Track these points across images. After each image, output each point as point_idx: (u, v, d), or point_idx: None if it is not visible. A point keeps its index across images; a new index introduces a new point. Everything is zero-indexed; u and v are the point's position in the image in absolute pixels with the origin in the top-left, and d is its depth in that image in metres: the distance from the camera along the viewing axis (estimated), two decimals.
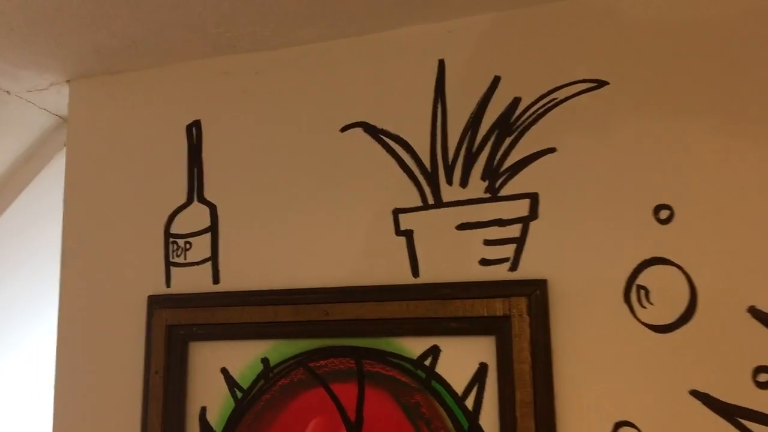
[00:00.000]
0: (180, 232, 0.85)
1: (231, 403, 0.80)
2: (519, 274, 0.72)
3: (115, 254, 0.87)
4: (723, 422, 0.64)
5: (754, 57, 0.67)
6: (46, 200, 1.06)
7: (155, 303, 0.83)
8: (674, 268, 0.67)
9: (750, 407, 0.64)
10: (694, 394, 0.66)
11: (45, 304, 1.09)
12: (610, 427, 0.67)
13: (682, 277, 0.67)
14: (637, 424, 0.67)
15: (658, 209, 0.69)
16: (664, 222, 0.68)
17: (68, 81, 0.93)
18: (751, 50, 0.67)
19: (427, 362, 0.74)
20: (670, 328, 0.67)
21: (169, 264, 0.85)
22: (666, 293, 0.67)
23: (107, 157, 0.90)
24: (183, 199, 0.86)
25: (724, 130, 0.67)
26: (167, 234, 0.86)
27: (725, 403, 0.65)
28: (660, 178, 0.69)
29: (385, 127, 0.79)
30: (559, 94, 0.73)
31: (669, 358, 0.66)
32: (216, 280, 0.83)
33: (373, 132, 0.79)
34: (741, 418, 0.64)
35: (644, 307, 0.68)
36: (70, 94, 0.93)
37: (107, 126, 0.91)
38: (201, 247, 0.84)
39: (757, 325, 0.64)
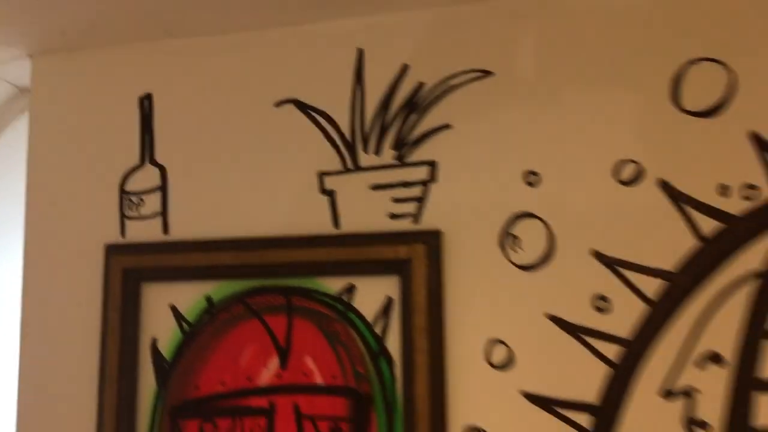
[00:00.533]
0: (133, 190, 0.99)
1: (179, 335, 0.95)
2: (420, 226, 0.89)
3: (76, 209, 1.00)
4: (569, 338, 0.84)
5: (600, 46, 0.86)
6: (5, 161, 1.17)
7: (112, 250, 0.96)
8: (538, 220, 0.86)
9: (590, 326, 0.83)
10: (549, 317, 0.85)
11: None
12: (485, 342, 0.85)
13: (543, 228, 0.86)
14: (505, 341, 0.85)
15: (527, 174, 0.87)
16: (532, 185, 0.87)
17: (30, 56, 1.04)
18: (598, 39, 0.86)
19: (345, 297, 0.91)
20: (533, 267, 0.86)
21: (123, 217, 0.99)
22: (531, 240, 0.86)
23: (68, 124, 1.02)
24: (136, 161, 0.99)
25: (579, 111, 0.86)
26: (122, 191, 0.99)
27: (572, 323, 0.84)
28: (530, 150, 0.87)
29: (312, 104, 0.94)
30: (455, 81, 0.90)
31: (531, 290, 0.85)
32: (165, 230, 0.97)
33: (303, 108, 0.94)
34: (583, 334, 0.84)
35: (515, 252, 0.87)
36: (33, 68, 1.04)
37: (68, 97, 1.03)
38: (152, 202, 0.98)
39: (597, 264, 0.84)
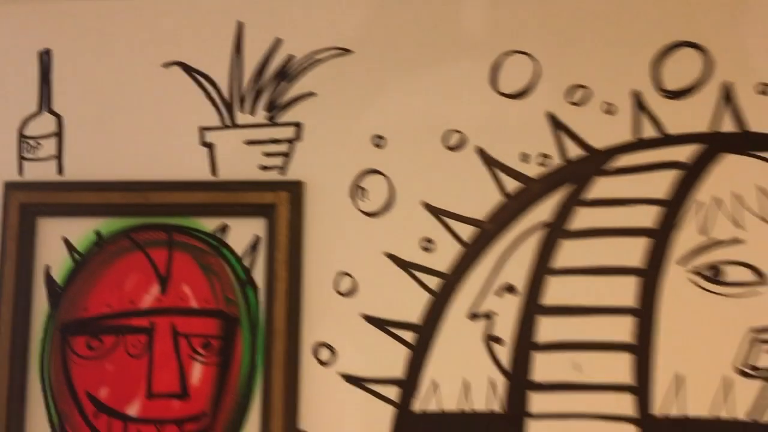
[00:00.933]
0: (31, 135, 1.11)
1: (70, 264, 1.08)
2: (285, 177, 1.06)
3: None
4: (401, 272, 1.03)
5: (436, 34, 1.05)
6: None
7: (10, 187, 1.08)
8: (381, 176, 1.05)
9: (417, 263, 1.04)
10: (387, 254, 1.04)
11: None
12: (334, 274, 1.04)
13: (386, 182, 1.05)
14: (351, 273, 1.04)
15: (374, 138, 1.06)
16: (378, 147, 1.06)
17: None
18: (436, 25, 1.05)
19: (219, 235, 1.07)
20: (376, 214, 1.05)
21: (21, 158, 1.11)
22: (375, 192, 1.05)
23: None
24: (34, 109, 1.11)
25: (419, 88, 1.05)
26: (20, 136, 1.11)
27: (404, 260, 1.04)
28: (378, 117, 1.05)
29: (196, 67, 1.09)
30: (320, 56, 1.07)
31: (373, 233, 1.04)
32: (60, 171, 1.10)
33: (188, 70, 1.09)
34: (411, 269, 1.04)
35: (362, 201, 1.06)
36: None
37: None
38: (48, 146, 1.10)
39: (426, 213, 1.04)
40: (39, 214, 1.07)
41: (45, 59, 1.10)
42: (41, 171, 1.09)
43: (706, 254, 0.97)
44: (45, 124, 1.09)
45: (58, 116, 1.10)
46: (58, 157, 1.09)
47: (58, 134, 1.09)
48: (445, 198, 1.03)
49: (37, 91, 1.10)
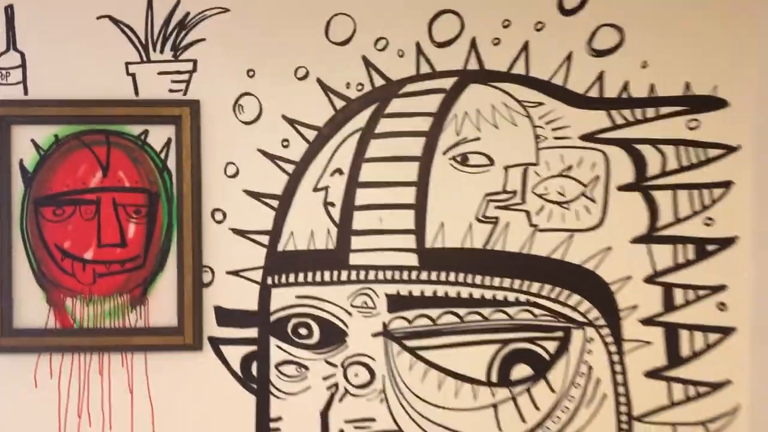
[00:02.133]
0: (2, 66, 1.56)
1: (37, 157, 1.57)
2: (187, 97, 1.57)
3: None
4: (269, 161, 1.57)
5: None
6: None
7: None
8: (254, 97, 1.57)
9: (279, 155, 1.58)
10: (259, 150, 1.58)
11: None
12: (224, 163, 1.57)
13: (257, 101, 1.57)
14: (235, 162, 1.57)
15: (248, 71, 1.57)
16: (251, 77, 1.57)
17: None
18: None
19: (143, 137, 1.57)
20: (251, 123, 1.57)
21: None
22: (249, 108, 1.57)
23: None
24: (3, 48, 1.56)
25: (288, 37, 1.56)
26: None
27: (270, 153, 1.58)
28: (250, 54, 1.56)
29: (121, 20, 1.56)
30: (207, 13, 1.57)
31: (250, 135, 1.56)
32: (26, 92, 1.56)
33: (115, 22, 1.56)
34: (276, 160, 1.58)
35: (241, 114, 1.58)
36: None
37: None
38: (16, 75, 1.56)
39: (284, 122, 1.57)
40: (12, 123, 1.54)
41: (9, 12, 1.54)
42: (12, 92, 1.55)
43: (458, 147, 1.56)
44: (12, 59, 1.54)
45: (21, 53, 1.55)
46: (23, 82, 1.55)
47: (23, 66, 1.55)
48: (295, 111, 1.56)
49: (4, 36, 1.55)
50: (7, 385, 1.55)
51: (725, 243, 1.54)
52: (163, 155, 1.55)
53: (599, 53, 1.53)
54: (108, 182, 1.55)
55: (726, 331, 1.55)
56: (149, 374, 1.56)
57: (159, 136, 1.55)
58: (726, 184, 1.54)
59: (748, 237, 1.54)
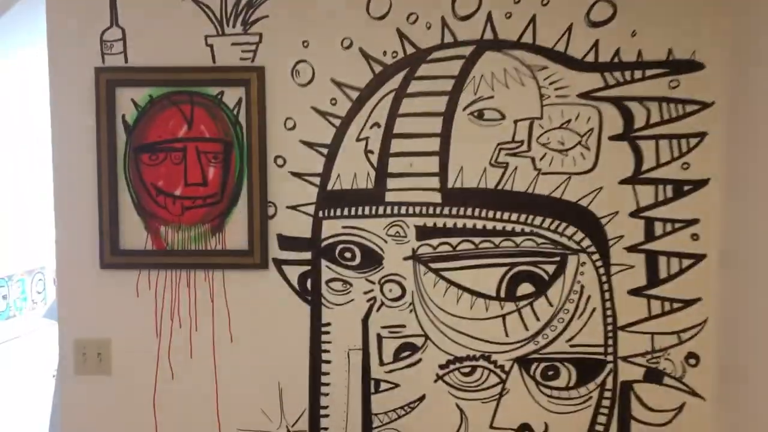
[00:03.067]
0: (107, 39, 1.94)
1: (136, 113, 1.96)
2: (254, 64, 1.93)
3: (80, 48, 1.94)
4: (320, 116, 1.94)
5: None
6: None
7: (99, 70, 1.93)
8: (308, 64, 1.93)
9: (329, 111, 1.94)
10: (312, 108, 1.94)
11: None
12: (284, 118, 1.94)
13: (310, 67, 1.93)
14: (293, 117, 1.94)
15: (303, 42, 1.93)
16: (305, 47, 1.93)
17: None
18: None
19: (219, 96, 1.94)
20: (305, 85, 1.93)
21: (103, 54, 1.95)
22: (304, 73, 1.93)
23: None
24: (108, 25, 1.94)
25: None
26: (101, 40, 1.95)
27: (320, 109, 1.94)
28: (305, 31, 1.92)
29: (202, 0, 1.92)
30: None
31: (304, 95, 1.92)
32: (126, 61, 1.95)
33: (197, 2, 1.92)
34: (326, 115, 1.94)
35: (297, 77, 1.93)
36: None
37: None
38: (117, 46, 1.94)
39: (332, 84, 1.93)
40: (116, 86, 1.93)
41: None
42: (115, 61, 1.93)
43: (475, 104, 1.89)
44: (115, 33, 1.93)
45: (123, 29, 1.93)
46: (124, 52, 1.93)
47: (123, 39, 1.93)
48: (341, 75, 1.91)
49: (108, 15, 1.93)
50: (116, 294, 1.97)
51: (699, 184, 1.85)
52: (235, 112, 1.92)
53: (595, 24, 1.83)
54: (192, 134, 1.93)
55: (697, 257, 1.87)
56: (226, 287, 1.96)
57: (232, 96, 1.92)
58: (701, 135, 1.84)
59: (718, 179, 1.84)
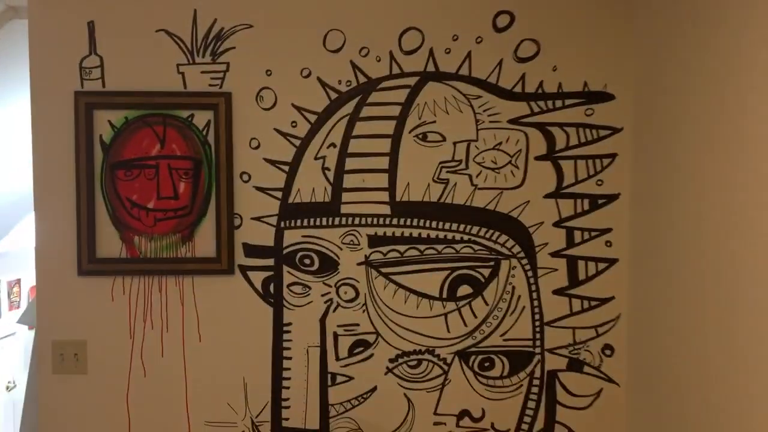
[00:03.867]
0: (86, 66, 2.14)
1: (112, 133, 2.15)
2: (222, 90, 2.15)
3: (57, 83, 2.12)
4: (282, 137, 2.17)
5: None
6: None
7: (78, 94, 2.12)
8: (271, 90, 2.16)
9: (289, 132, 2.17)
10: (275, 129, 2.17)
11: None
12: (249, 139, 2.16)
13: (273, 93, 2.16)
14: (257, 138, 2.17)
15: (267, 71, 2.16)
16: (269, 75, 2.16)
17: None
18: None
19: (189, 118, 2.16)
20: (269, 109, 2.16)
21: (82, 79, 2.14)
22: (268, 98, 2.16)
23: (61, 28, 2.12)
24: (86, 53, 2.14)
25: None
26: (80, 67, 2.14)
27: (282, 131, 2.17)
28: (267, 60, 2.15)
29: (174, 33, 2.14)
30: (237, 28, 2.14)
31: (267, 118, 2.15)
32: (103, 85, 2.14)
33: (169, 34, 2.13)
34: (287, 136, 2.17)
35: (261, 102, 2.16)
36: None
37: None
38: (96, 72, 2.14)
39: (293, 109, 2.16)
40: (94, 108, 2.12)
41: (91, 26, 2.12)
42: (94, 86, 2.13)
43: (420, 128, 2.15)
44: (93, 61, 2.12)
45: (100, 56, 2.12)
46: (102, 78, 2.13)
47: (101, 66, 2.12)
48: (301, 101, 2.14)
49: (87, 44, 2.12)
50: (92, 299, 2.15)
51: (611, 198, 2.15)
52: (204, 132, 2.13)
53: (522, 60, 2.12)
54: (164, 152, 2.13)
55: (611, 261, 2.16)
56: (195, 291, 2.16)
57: (202, 118, 2.13)
58: (612, 156, 2.14)
59: (627, 194, 2.14)
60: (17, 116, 3.24)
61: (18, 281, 5.05)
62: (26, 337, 5.33)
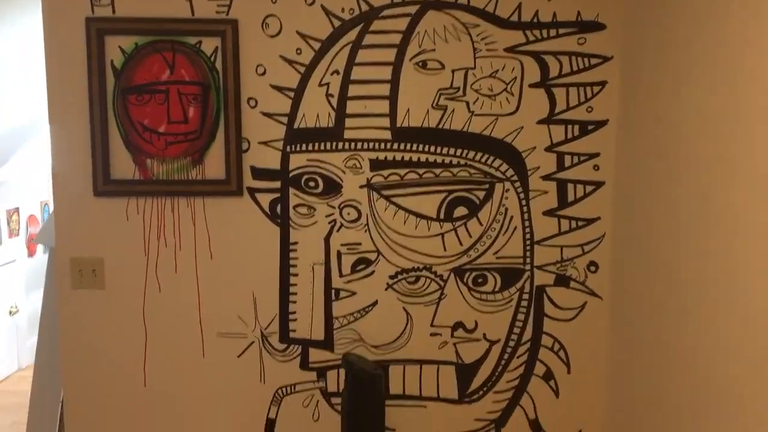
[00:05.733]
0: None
1: (122, 58, 2.22)
2: (229, 17, 2.22)
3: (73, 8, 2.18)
4: (287, 63, 2.25)
5: None
6: None
7: (90, 20, 2.17)
8: (276, 17, 2.23)
9: (294, 59, 2.26)
10: (280, 56, 2.25)
11: None
12: (255, 64, 2.25)
13: (278, 21, 2.23)
14: (263, 64, 2.25)
15: (268, 17, 2.22)
16: (274, 3, 2.23)
17: None
18: None
19: (198, 45, 2.23)
20: (274, 36, 2.24)
21: (92, 5, 2.19)
22: (273, 25, 2.23)
23: None
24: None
25: None
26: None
27: (287, 57, 2.26)
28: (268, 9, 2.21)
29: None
30: None
31: (273, 44, 2.24)
32: (113, 12, 2.20)
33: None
34: (292, 63, 2.26)
35: (266, 29, 2.24)
36: None
37: None
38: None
39: (298, 36, 2.24)
40: (105, 34, 2.18)
41: None
42: (105, 12, 2.19)
43: (420, 56, 2.24)
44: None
45: None
46: (112, 4, 2.18)
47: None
48: (306, 28, 2.22)
49: None
50: (108, 218, 2.26)
51: (600, 124, 2.28)
52: (212, 59, 2.21)
53: None
54: (174, 77, 2.21)
55: (598, 184, 2.30)
56: (206, 212, 2.28)
57: (209, 45, 2.20)
58: (602, 83, 2.25)
59: (614, 120, 2.27)
60: (11, 47, 3.27)
61: (17, 209, 5.14)
62: (27, 262, 5.46)
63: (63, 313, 2.27)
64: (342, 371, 2.31)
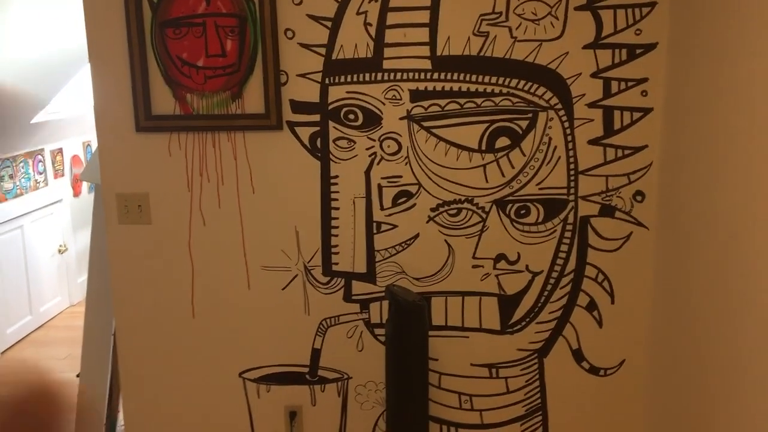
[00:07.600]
0: None
1: None
2: None
3: None
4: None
5: None
6: None
7: None
8: None
9: (325, 15, 2.20)
10: (308, 16, 2.20)
11: None
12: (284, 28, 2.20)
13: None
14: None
15: None
16: None
17: None
18: None
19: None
20: (327, 19, 2.18)
21: None
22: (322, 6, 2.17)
23: None
24: None
25: None
26: None
27: (315, 16, 2.20)
28: None
29: None
30: None
31: (305, 3, 2.18)
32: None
33: None
34: (319, 20, 2.20)
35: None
36: None
37: None
38: None
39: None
40: None
41: None
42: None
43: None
44: None
45: None
46: None
47: None
48: None
49: None
50: (151, 154, 2.29)
51: (649, 47, 2.19)
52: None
53: None
54: (210, 9, 2.18)
55: (646, 111, 2.23)
56: (247, 146, 2.29)
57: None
58: (651, 4, 2.15)
59: (664, 43, 2.18)
60: None
61: (60, 150, 5.24)
62: (74, 202, 5.60)
63: (112, 248, 2.33)
64: (385, 303, 2.33)
